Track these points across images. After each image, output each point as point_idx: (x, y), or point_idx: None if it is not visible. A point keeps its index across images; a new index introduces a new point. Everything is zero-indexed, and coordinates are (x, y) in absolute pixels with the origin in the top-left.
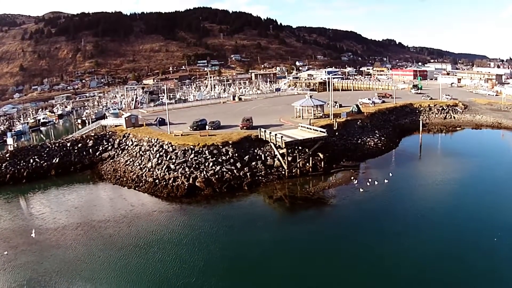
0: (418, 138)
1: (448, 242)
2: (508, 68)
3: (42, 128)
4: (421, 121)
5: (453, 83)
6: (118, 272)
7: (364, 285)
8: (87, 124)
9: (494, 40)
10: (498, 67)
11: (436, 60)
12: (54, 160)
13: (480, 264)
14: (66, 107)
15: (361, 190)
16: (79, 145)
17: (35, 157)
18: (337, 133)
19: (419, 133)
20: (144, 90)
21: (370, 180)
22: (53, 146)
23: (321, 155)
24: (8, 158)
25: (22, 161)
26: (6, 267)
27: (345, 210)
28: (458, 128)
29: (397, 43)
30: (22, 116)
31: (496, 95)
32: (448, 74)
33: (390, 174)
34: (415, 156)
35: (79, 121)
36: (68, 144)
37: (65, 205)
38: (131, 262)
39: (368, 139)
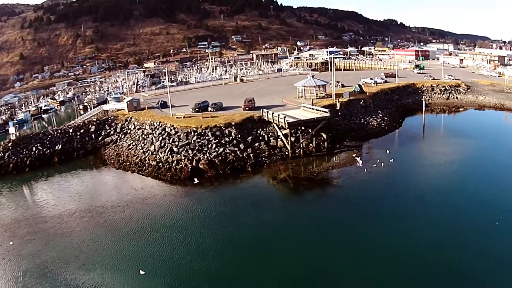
0: (421, 118)
1: (451, 224)
2: (511, 50)
3: (44, 116)
4: (423, 101)
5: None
6: (123, 257)
7: (367, 266)
8: (89, 110)
9: (496, 22)
10: (501, 48)
11: (438, 41)
12: (56, 147)
13: (481, 248)
14: (67, 93)
15: (365, 170)
16: (82, 131)
17: (38, 145)
18: (340, 113)
19: (422, 113)
20: (145, 73)
21: (373, 160)
22: (55, 133)
23: (324, 135)
24: (10, 147)
25: (24, 150)
26: (12, 257)
27: (349, 190)
28: (461, 109)
29: (398, 23)
30: (23, 104)
31: (498, 76)
32: (450, 54)
33: (389, 152)
34: (419, 136)
35: (81, 107)
36: (71, 131)
37: (69, 191)
38: (136, 247)
39: (371, 119)
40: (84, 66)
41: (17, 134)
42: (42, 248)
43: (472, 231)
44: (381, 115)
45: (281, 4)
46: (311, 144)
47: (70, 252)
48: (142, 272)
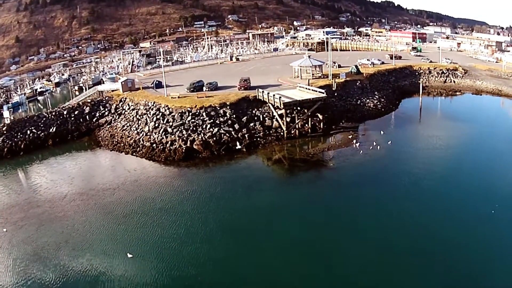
0: (418, 101)
1: (446, 212)
2: (508, 36)
3: (39, 98)
4: (421, 84)
5: (450, 46)
6: (112, 241)
7: (361, 249)
8: (84, 91)
9: (494, 7)
10: (498, 34)
11: (435, 24)
12: (51, 130)
13: (477, 237)
14: (63, 74)
15: (360, 152)
16: (76, 112)
17: (32, 128)
18: (336, 94)
19: (418, 96)
20: (141, 53)
21: (369, 142)
22: (49, 115)
23: (320, 116)
24: (5, 132)
25: (19, 133)
26: (5, 245)
27: (345, 173)
28: (458, 93)
29: (396, 5)
30: (19, 87)
31: (496, 62)
32: (447, 37)
33: (385, 134)
34: (415, 119)
35: (76, 88)
36: (65, 112)
37: (62, 175)
38: (131, 229)
39: (368, 100)
40: (80, 47)
41: (12, 118)
42: (33, 233)
43: (468, 219)
44: (377, 97)
45: None
46: (306, 125)
47: (61, 238)
48: (129, 255)
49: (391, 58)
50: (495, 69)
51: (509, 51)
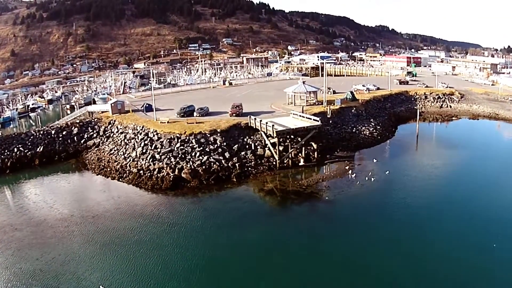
0: (414, 127)
1: (447, 245)
2: (503, 58)
3: (31, 114)
4: (418, 110)
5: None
6: (92, 271)
7: (357, 285)
8: (76, 109)
9: (488, 29)
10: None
11: (429, 47)
12: (38, 149)
13: (480, 272)
14: (56, 92)
15: (357, 183)
16: (64, 132)
17: (19, 146)
18: (331, 121)
19: (415, 122)
20: (135, 74)
21: (365, 172)
22: (37, 134)
23: (314, 145)
24: None
25: (6, 151)
26: None
27: (340, 205)
28: (454, 118)
29: (390, 29)
30: (11, 102)
31: (492, 84)
32: (442, 61)
33: (382, 163)
34: (412, 146)
35: (68, 106)
36: (53, 132)
37: (46, 198)
38: (107, 261)
39: (363, 127)
40: (74, 65)
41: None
42: (8, 258)
43: (470, 254)
44: (373, 124)
45: (273, 8)
46: (300, 154)
47: (36, 265)
48: None
49: (400, 83)
50: (492, 92)
51: (504, 73)
